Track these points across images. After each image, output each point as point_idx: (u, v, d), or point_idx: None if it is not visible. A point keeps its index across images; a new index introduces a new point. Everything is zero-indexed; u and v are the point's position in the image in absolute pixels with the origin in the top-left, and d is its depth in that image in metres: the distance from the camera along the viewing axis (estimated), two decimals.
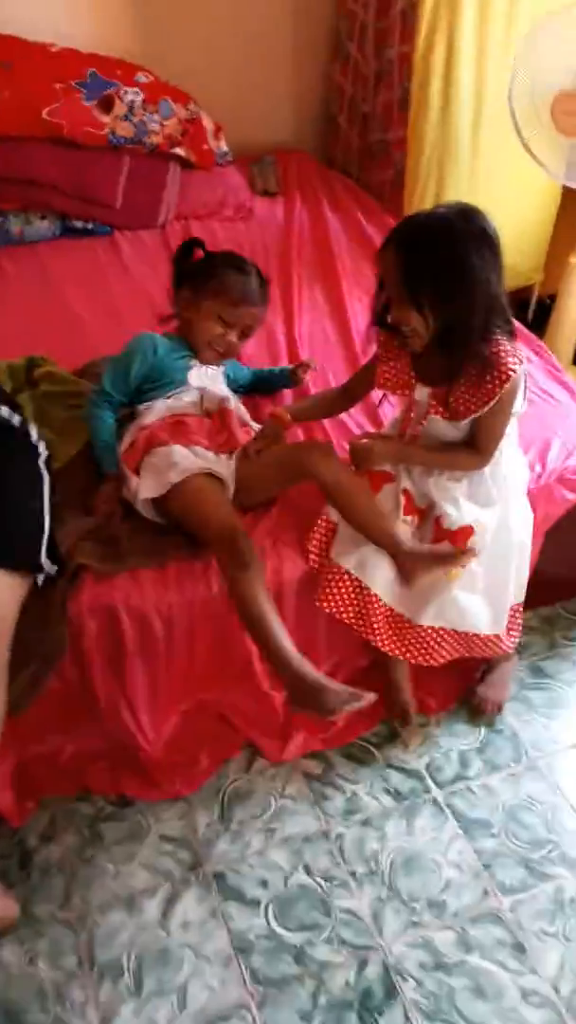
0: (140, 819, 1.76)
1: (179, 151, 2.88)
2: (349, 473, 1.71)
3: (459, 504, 1.71)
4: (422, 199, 2.78)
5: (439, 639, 1.77)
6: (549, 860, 1.69)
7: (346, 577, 1.71)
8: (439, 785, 1.81)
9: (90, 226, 2.80)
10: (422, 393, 1.67)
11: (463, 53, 2.51)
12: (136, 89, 2.80)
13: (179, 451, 1.70)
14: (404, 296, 1.50)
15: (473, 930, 1.58)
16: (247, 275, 1.84)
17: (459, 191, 2.75)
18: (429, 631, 1.75)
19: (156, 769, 1.79)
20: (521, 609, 1.86)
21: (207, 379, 1.87)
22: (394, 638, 1.76)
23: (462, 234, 1.46)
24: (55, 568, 1.59)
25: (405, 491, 1.74)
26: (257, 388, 2.08)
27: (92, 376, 2.05)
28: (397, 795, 1.79)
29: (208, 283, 1.81)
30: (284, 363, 2.21)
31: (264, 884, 1.66)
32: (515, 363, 1.55)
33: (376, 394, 1.84)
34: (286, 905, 1.62)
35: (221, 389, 1.89)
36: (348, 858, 1.69)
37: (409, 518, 1.74)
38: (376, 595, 1.72)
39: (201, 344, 1.85)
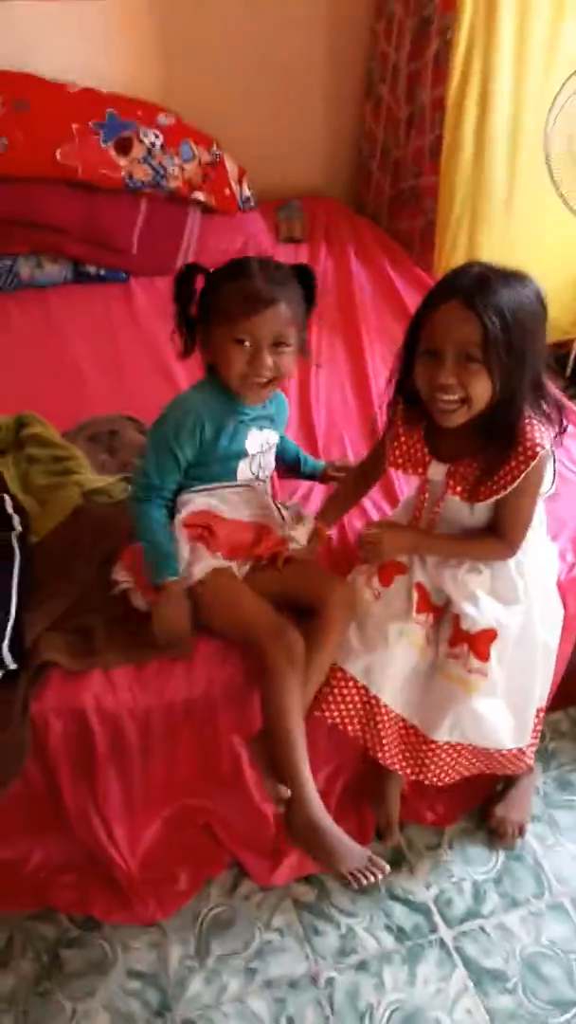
0: (106, 947, 1.56)
1: (199, 196, 2.74)
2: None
3: (480, 602, 1.50)
4: (453, 249, 2.61)
5: (456, 755, 1.56)
6: None
7: (352, 684, 1.51)
8: (448, 923, 1.58)
9: (103, 272, 2.67)
10: (438, 472, 1.49)
11: (498, 98, 2.35)
12: (156, 131, 2.68)
13: (197, 548, 1.53)
14: (475, 358, 1.32)
15: None
16: (248, 276, 1.42)
17: (492, 242, 2.57)
18: (445, 747, 1.54)
19: (130, 887, 1.59)
20: (543, 715, 1.65)
21: (261, 448, 1.60)
22: (405, 754, 1.55)
23: (536, 300, 1.34)
24: (15, 664, 1.42)
25: (419, 585, 1.53)
26: (290, 469, 1.85)
27: (79, 439, 1.90)
28: (400, 933, 1.56)
29: (210, 311, 1.46)
30: (294, 422, 2.03)
31: None
32: (542, 440, 1.39)
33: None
34: None
35: (269, 464, 1.65)
36: (338, 1010, 1.47)
37: (423, 616, 1.53)
38: (386, 705, 1.52)
39: (236, 386, 1.49)
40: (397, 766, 1.54)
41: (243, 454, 1.57)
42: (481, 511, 1.48)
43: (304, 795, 1.34)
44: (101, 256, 2.66)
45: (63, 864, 1.62)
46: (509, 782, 1.74)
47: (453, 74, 2.35)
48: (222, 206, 2.80)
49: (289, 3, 2.81)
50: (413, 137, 2.64)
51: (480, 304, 1.29)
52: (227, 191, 2.81)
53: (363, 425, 2.06)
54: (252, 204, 2.88)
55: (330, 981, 1.50)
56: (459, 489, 1.46)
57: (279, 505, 1.67)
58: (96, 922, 1.58)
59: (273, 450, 1.65)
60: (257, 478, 1.63)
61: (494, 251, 2.59)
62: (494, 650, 1.49)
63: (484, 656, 1.49)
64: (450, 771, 1.57)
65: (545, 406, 1.42)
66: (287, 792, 1.34)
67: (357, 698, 1.51)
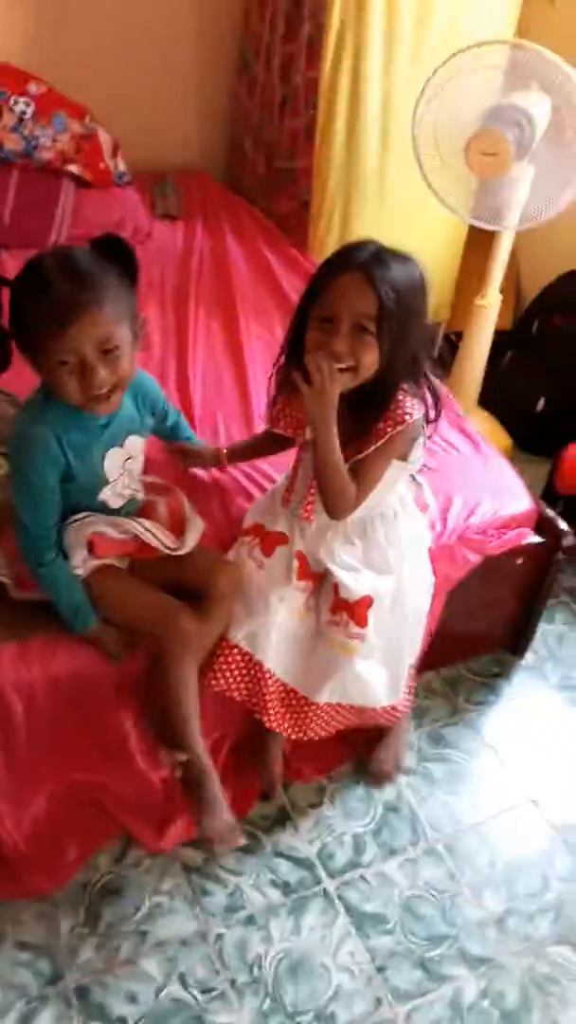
0: None
1: (73, 168, 2.69)
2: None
3: (357, 572, 1.58)
4: (328, 231, 2.67)
5: (334, 713, 1.65)
6: (448, 958, 1.56)
7: (236, 652, 1.56)
8: (331, 875, 1.66)
9: None
10: (311, 433, 1.49)
11: (369, 83, 2.42)
12: (27, 99, 2.61)
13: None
14: (368, 329, 1.36)
15: None
16: (47, 285, 1.22)
17: (366, 225, 2.65)
18: (325, 707, 1.62)
19: (18, 861, 1.58)
20: (414, 671, 1.76)
21: (124, 467, 1.49)
22: (287, 716, 1.62)
23: (421, 280, 1.41)
24: None
25: (299, 553, 1.59)
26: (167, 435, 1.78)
27: None
28: (285, 887, 1.63)
29: (21, 330, 1.28)
30: (173, 399, 2.04)
31: (133, 999, 1.47)
32: (411, 411, 1.46)
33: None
34: (157, 1023, 1.44)
35: (137, 470, 1.53)
36: (228, 964, 1.52)
37: (303, 583, 1.59)
38: (268, 670, 1.58)
39: (77, 405, 1.32)
40: (280, 727, 1.60)
41: (102, 482, 1.45)
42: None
43: (201, 759, 1.46)
44: None
45: None
46: (386, 728, 1.83)
47: (326, 57, 2.40)
48: (97, 180, 2.76)
49: None
50: (287, 118, 2.67)
51: (378, 278, 1.34)
52: (102, 165, 2.76)
53: (238, 402, 2.09)
54: (128, 179, 2.85)
55: (219, 937, 1.56)
56: None
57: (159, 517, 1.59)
58: None
59: (141, 454, 1.53)
60: (132, 498, 1.54)
61: (368, 233, 2.65)
62: (371, 615, 1.57)
63: (362, 622, 1.57)
64: (328, 727, 1.66)
65: (420, 387, 1.50)
66: (183, 756, 1.43)
67: (243, 664, 1.56)
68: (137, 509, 1.58)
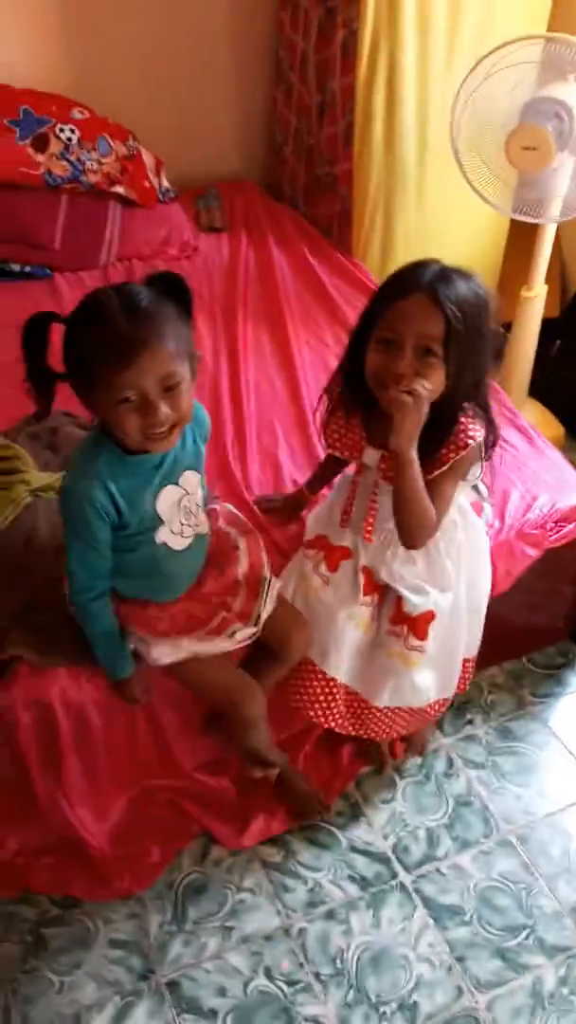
0: (87, 922, 1.63)
1: (119, 189, 2.77)
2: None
3: (421, 590, 1.59)
4: (370, 234, 2.70)
5: (394, 717, 1.71)
6: (526, 948, 1.59)
7: (311, 670, 1.64)
8: (407, 868, 1.71)
9: (27, 269, 2.68)
10: (372, 457, 1.54)
11: (405, 86, 2.44)
12: (72, 126, 2.69)
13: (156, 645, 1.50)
14: (434, 352, 1.35)
15: None
16: (107, 320, 1.19)
17: (407, 225, 2.67)
18: (384, 710, 1.68)
19: (104, 865, 1.66)
20: (473, 661, 1.79)
21: (179, 503, 1.42)
22: (351, 718, 1.69)
23: (486, 300, 1.39)
24: None
25: (365, 569, 1.61)
26: None
27: (20, 438, 1.94)
28: (363, 882, 1.68)
29: (79, 369, 1.24)
30: (228, 412, 2.10)
31: (222, 992, 1.53)
32: (475, 433, 1.45)
33: None
34: (246, 1015, 1.50)
35: (196, 503, 1.46)
36: (312, 957, 1.58)
37: (369, 598, 1.62)
38: (337, 681, 1.65)
39: (135, 444, 1.28)
40: (348, 729, 1.66)
41: (156, 523, 1.39)
42: None
43: (285, 768, 1.68)
44: (24, 253, 2.67)
45: (39, 848, 1.68)
46: None
47: (360, 63, 2.43)
48: (142, 199, 2.83)
49: None
50: (325, 124, 2.71)
51: (445, 298, 1.32)
52: (146, 183, 2.84)
53: (293, 410, 2.14)
54: (172, 195, 2.92)
55: (302, 931, 1.61)
56: (391, 474, 1.47)
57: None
58: (76, 900, 1.65)
59: (199, 489, 1.46)
60: (197, 535, 1.48)
61: (409, 234, 2.70)
62: (432, 629, 1.60)
63: (423, 635, 1.60)
64: (388, 730, 1.71)
65: (482, 407, 1.47)
66: (272, 771, 1.67)
67: (318, 684, 1.63)
68: (209, 555, 1.54)
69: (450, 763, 1.88)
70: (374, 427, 1.52)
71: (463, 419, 1.46)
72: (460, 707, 1.98)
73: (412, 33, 2.37)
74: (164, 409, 1.23)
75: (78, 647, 1.54)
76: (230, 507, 1.66)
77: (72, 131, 2.67)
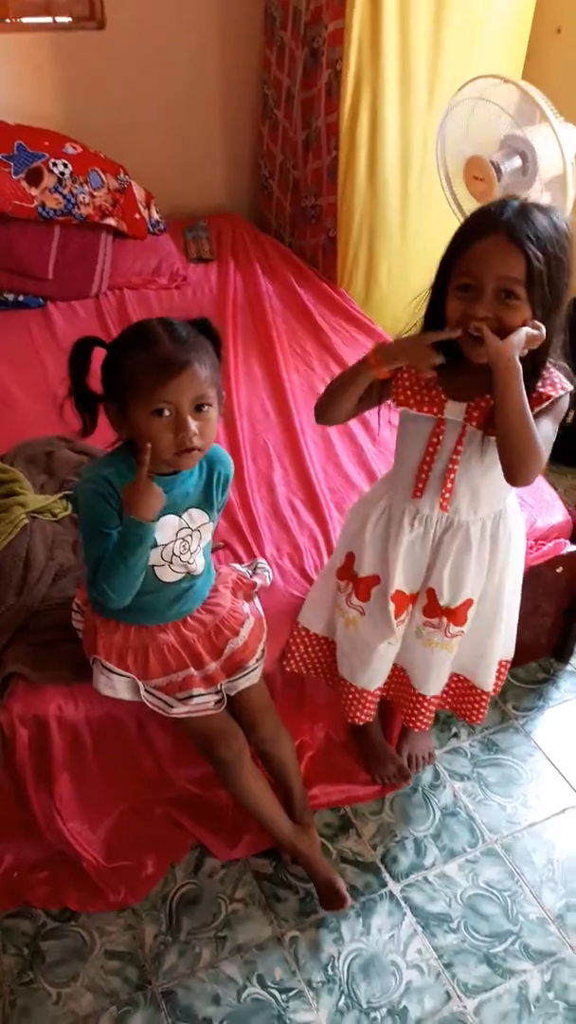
0: (84, 934, 1.66)
1: (110, 221, 2.85)
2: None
3: (461, 580, 1.56)
4: (354, 264, 2.80)
5: (439, 701, 1.79)
6: (511, 954, 1.64)
7: (356, 691, 1.74)
8: (395, 877, 1.75)
9: (21, 298, 2.75)
10: (455, 411, 1.41)
11: (387, 124, 2.55)
12: (65, 161, 2.77)
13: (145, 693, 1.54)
14: (515, 294, 1.26)
15: None
16: (154, 342, 1.30)
17: (391, 256, 2.77)
18: (433, 699, 1.74)
19: (100, 878, 1.70)
20: (508, 664, 1.80)
21: (176, 535, 1.46)
22: (399, 700, 1.81)
23: (567, 232, 1.29)
24: None
25: (396, 596, 1.58)
26: None
27: (17, 461, 1.99)
28: (352, 891, 1.72)
29: (121, 385, 1.32)
30: (221, 436, 2.17)
31: (216, 1000, 1.57)
32: (563, 382, 1.37)
33: (373, 419, 1.55)
34: (240, 1023, 1.54)
35: (191, 549, 1.49)
36: (304, 965, 1.62)
37: (403, 617, 1.62)
38: (377, 691, 1.75)
39: (163, 462, 1.36)
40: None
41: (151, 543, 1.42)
42: (492, 462, 1.40)
43: (291, 841, 1.69)
44: (18, 283, 2.75)
45: (35, 863, 1.72)
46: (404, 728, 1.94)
47: (344, 102, 2.54)
48: (133, 230, 2.92)
49: (182, 30, 2.95)
50: (311, 159, 2.81)
51: (525, 238, 1.24)
52: (137, 216, 2.92)
53: (284, 433, 2.22)
54: (162, 227, 3.01)
55: (294, 940, 1.65)
56: (483, 421, 1.39)
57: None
58: (72, 913, 1.68)
59: (203, 531, 1.50)
60: (177, 565, 1.49)
61: (392, 264, 2.80)
62: (470, 612, 1.60)
63: (462, 622, 1.60)
64: (429, 718, 1.78)
65: (566, 358, 1.38)
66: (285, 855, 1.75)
67: (364, 698, 1.74)
68: (210, 628, 1.57)
69: (436, 775, 1.93)
70: (455, 383, 1.41)
71: (549, 368, 1.37)
72: (446, 721, 2.03)
73: (394, 74, 2.48)
74: (193, 426, 1.32)
75: (74, 665, 1.59)
76: (240, 569, 1.75)
77: (65, 165, 2.76)
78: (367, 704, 1.75)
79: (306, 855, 1.68)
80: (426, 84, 2.52)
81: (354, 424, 2.24)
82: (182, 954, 1.63)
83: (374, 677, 1.71)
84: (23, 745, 1.59)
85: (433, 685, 1.71)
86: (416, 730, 1.83)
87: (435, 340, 1.31)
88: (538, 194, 2.19)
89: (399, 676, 1.76)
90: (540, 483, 2.07)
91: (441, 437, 1.44)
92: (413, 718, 1.77)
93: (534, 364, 1.32)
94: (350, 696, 1.74)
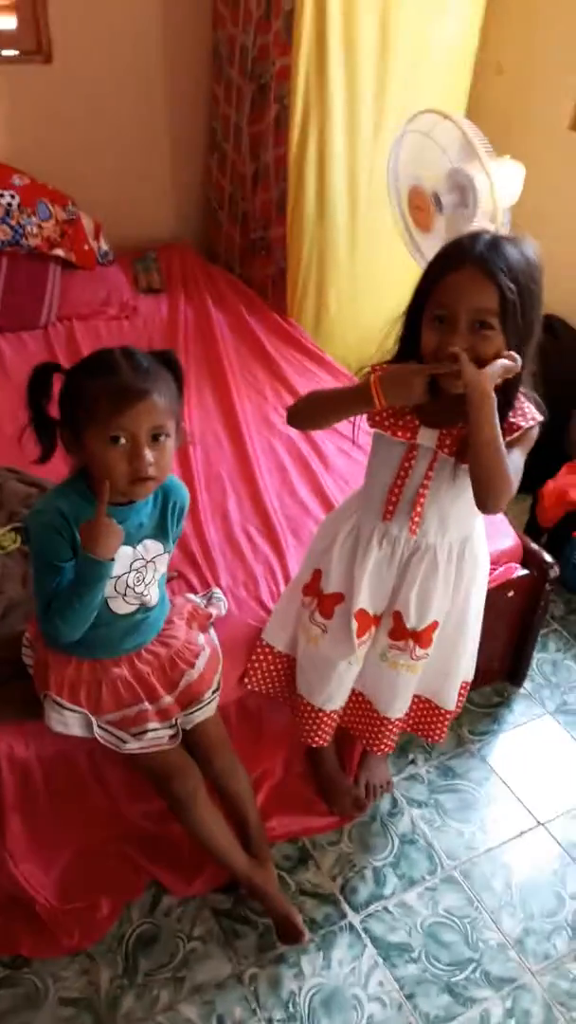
0: (36, 981, 1.61)
1: (59, 252, 2.84)
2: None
3: (428, 602, 1.57)
4: (304, 295, 2.83)
5: (401, 724, 1.78)
6: (472, 982, 1.63)
7: (311, 710, 1.73)
8: (355, 908, 1.74)
9: None
10: (428, 437, 1.43)
11: (335, 157, 2.60)
12: (12, 192, 2.76)
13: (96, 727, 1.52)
14: (490, 325, 1.28)
15: None
16: (114, 370, 1.30)
17: (340, 286, 2.81)
18: (396, 722, 1.74)
19: (52, 921, 1.65)
20: (468, 685, 1.81)
21: (131, 566, 1.44)
22: (360, 725, 1.80)
23: (537, 262, 1.32)
24: None
25: (359, 614, 1.59)
26: None
27: None
28: (312, 924, 1.70)
29: (78, 411, 1.31)
30: (174, 465, 2.15)
31: None
32: (534, 413, 1.39)
33: (346, 428, 1.56)
34: None
35: (145, 580, 1.48)
36: (264, 1003, 1.59)
37: (365, 637, 1.62)
38: (335, 712, 1.74)
39: (117, 491, 1.34)
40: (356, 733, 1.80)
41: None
42: (462, 488, 1.43)
43: (247, 874, 1.64)
44: None
45: None
46: (364, 753, 1.93)
47: (292, 136, 2.58)
48: (82, 261, 2.91)
49: (130, 64, 2.97)
50: (259, 191, 2.84)
51: (498, 270, 1.26)
52: (86, 246, 2.92)
53: (238, 462, 2.22)
54: (111, 258, 3.01)
55: (253, 977, 1.62)
56: (455, 449, 1.41)
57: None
58: (24, 960, 1.63)
59: (158, 562, 1.49)
60: (131, 596, 1.47)
61: (341, 294, 2.84)
62: (435, 635, 1.60)
63: (427, 644, 1.61)
64: (392, 741, 1.78)
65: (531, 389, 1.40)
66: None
67: (308, 714, 1.73)
68: (164, 660, 1.57)
69: (394, 803, 1.93)
70: (428, 409, 1.42)
71: (520, 400, 1.39)
72: (403, 748, 2.03)
73: (340, 108, 2.53)
74: (149, 456, 1.31)
75: (24, 702, 1.56)
76: (195, 599, 1.74)
77: (12, 196, 2.75)
78: (323, 726, 1.74)
79: (262, 890, 1.64)
80: (372, 119, 2.57)
81: (307, 451, 2.25)
82: (139, 997, 1.59)
83: (332, 697, 1.69)
84: None
85: (397, 708, 1.71)
86: (379, 754, 1.83)
87: (431, 373, 1.32)
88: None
89: (360, 702, 1.76)
90: None
91: (413, 462, 1.46)
92: (376, 742, 1.76)
93: (506, 394, 1.34)
94: (306, 715, 1.73)
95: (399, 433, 1.44)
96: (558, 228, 2.64)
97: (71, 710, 1.49)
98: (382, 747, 1.78)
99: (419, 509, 1.48)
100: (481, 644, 2.07)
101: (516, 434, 1.37)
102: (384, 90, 2.55)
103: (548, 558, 2.02)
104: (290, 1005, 1.58)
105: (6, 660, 1.62)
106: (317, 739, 1.75)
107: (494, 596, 1.95)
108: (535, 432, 1.40)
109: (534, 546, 2.05)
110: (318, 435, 2.29)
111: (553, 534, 2.44)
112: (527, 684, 2.23)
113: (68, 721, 1.50)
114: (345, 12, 2.40)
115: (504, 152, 2.19)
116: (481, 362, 1.28)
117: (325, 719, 1.73)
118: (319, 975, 1.63)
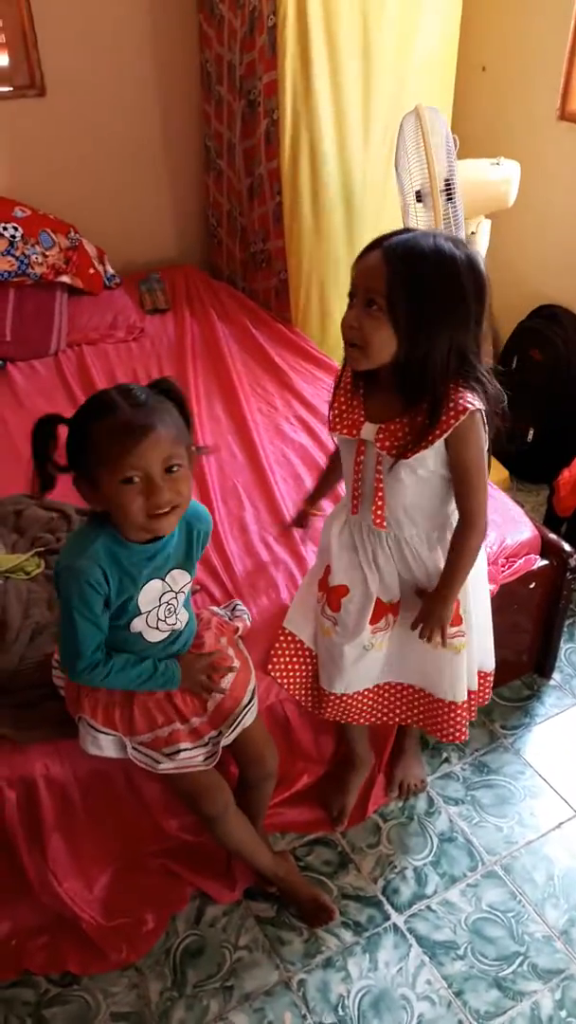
0: (88, 998, 1.63)
1: (65, 279, 2.89)
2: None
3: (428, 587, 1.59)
4: (308, 302, 2.85)
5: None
6: (521, 975, 1.63)
7: (335, 697, 1.74)
8: (398, 909, 1.74)
9: None
10: (369, 431, 1.47)
11: (327, 165, 2.62)
12: (15, 224, 2.82)
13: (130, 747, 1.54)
14: (377, 304, 1.33)
15: None
16: (112, 410, 1.28)
17: (341, 291, 2.80)
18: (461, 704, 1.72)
19: (99, 937, 1.67)
20: (491, 675, 1.80)
21: (160, 600, 1.45)
22: (417, 715, 1.79)
23: (463, 272, 1.34)
24: None
25: (377, 600, 1.61)
26: None
27: None
28: (357, 927, 1.70)
29: (87, 459, 1.30)
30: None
31: None
32: (472, 402, 1.38)
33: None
34: None
35: (178, 608, 1.49)
36: (313, 1008, 1.59)
37: (382, 622, 1.63)
38: (347, 693, 1.74)
39: (137, 529, 1.33)
40: (379, 719, 1.80)
41: (134, 612, 1.42)
42: (422, 485, 1.47)
43: (278, 875, 1.71)
44: None
45: (33, 928, 1.68)
46: (397, 748, 1.94)
47: (284, 148, 2.61)
48: (88, 286, 2.96)
49: (121, 91, 3.02)
50: (256, 205, 2.88)
51: (394, 254, 1.32)
52: (91, 271, 2.97)
53: (253, 474, 2.24)
54: (118, 281, 3.05)
55: (301, 983, 1.63)
56: (387, 444, 1.44)
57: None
58: (74, 977, 1.65)
59: (185, 589, 1.49)
60: (163, 627, 1.48)
61: (344, 298, 2.84)
62: (462, 611, 1.60)
63: (458, 621, 1.60)
64: (464, 728, 1.73)
65: (476, 382, 1.40)
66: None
67: (340, 700, 1.74)
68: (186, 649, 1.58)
69: (431, 802, 1.93)
70: (373, 402, 1.48)
71: (454, 393, 1.39)
72: (436, 747, 2.03)
73: (329, 118, 2.56)
74: (166, 491, 1.29)
75: (58, 722, 1.58)
76: (219, 612, 1.75)
77: (15, 229, 2.80)
78: (346, 706, 1.73)
79: (289, 879, 1.71)
80: (361, 125, 2.60)
81: (321, 459, 2.26)
82: (190, 1008, 1.60)
83: (351, 683, 1.70)
84: (11, 808, 1.57)
85: (458, 689, 1.67)
86: (454, 742, 1.75)
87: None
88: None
89: (419, 696, 1.73)
90: (507, 501, 2.11)
91: (363, 457, 1.52)
92: (448, 730, 1.72)
93: (426, 389, 1.38)
94: (331, 702, 1.73)
95: (346, 431, 1.50)
96: (552, 218, 2.64)
97: (105, 733, 1.51)
98: (455, 735, 1.71)
99: (379, 502, 1.51)
100: (505, 638, 2.09)
101: (448, 431, 1.39)
102: (370, 96, 2.57)
103: (567, 547, 2.02)
104: (339, 1008, 1.59)
105: (37, 683, 1.64)
106: (331, 713, 1.75)
107: (516, 588, 1.96)
108: (477, 418, 1.40)
109: (553, 536, 2.05)
110: (331, 442, 2.30)
111: (571, 523, 2.43)
112: (556, 675, 2.23)
113: (102, 743, 1.52)
114: (327, 23, 2.43)
115: (494, 146, 2.21)
116: (367, 340, 1.36)
117: (348, 701, 1.72)
118: (367, 977, 1.63)
